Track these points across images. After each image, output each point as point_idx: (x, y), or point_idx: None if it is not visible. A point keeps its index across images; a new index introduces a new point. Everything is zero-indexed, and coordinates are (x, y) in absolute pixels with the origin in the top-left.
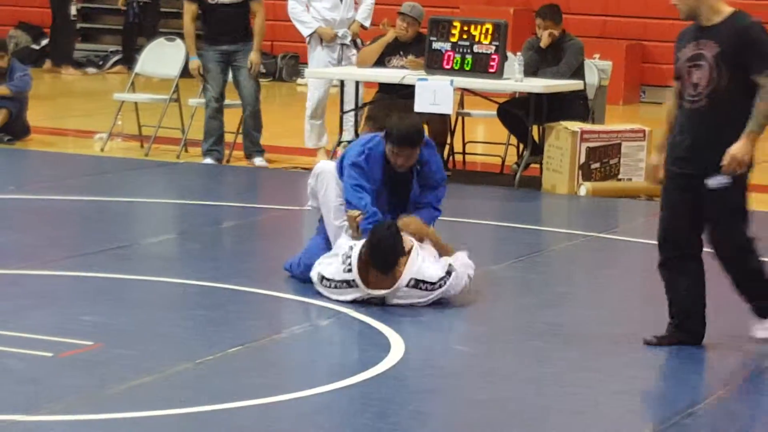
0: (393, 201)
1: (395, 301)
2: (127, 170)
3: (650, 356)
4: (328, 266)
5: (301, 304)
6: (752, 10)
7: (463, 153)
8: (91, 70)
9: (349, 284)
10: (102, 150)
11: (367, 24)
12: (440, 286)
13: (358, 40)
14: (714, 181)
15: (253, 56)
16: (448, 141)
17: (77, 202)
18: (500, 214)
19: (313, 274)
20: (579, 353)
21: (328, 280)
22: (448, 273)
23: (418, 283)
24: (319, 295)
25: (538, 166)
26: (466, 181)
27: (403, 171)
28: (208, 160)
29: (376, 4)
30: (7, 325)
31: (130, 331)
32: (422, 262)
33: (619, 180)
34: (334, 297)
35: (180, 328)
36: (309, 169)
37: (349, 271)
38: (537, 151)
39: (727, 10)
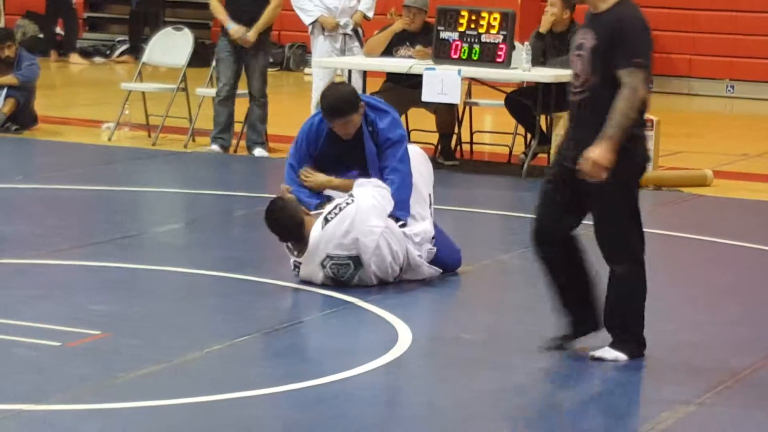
0: (351, 165)
1: (341, 252)
2: (134, 160)
3: (660, 344)
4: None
5: (310, 294)
6: None
7: (471, 143)
8: (98, 59)
9: (296, 265)
10: (109, 139)
11: (370, 15)
12: (347, 205)
13: (360, 30)
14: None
15: (248, 34)
16: (456, 131)
17: (85, 192)
18: (508, 204)
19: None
20: (587, 342)
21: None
22: (350, 195)
23: (327, 219)
24: (322, 286)
25: (545, 155)
26: (473, 170)
27: (349, 138)
28: (214, 147)
29: None
30: (15, 315)
31: (138, 321)
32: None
33: None
34: (308, 279)
35: (189, 318)
36: None
37: (292, 252)
38: (545, 140)
39: None
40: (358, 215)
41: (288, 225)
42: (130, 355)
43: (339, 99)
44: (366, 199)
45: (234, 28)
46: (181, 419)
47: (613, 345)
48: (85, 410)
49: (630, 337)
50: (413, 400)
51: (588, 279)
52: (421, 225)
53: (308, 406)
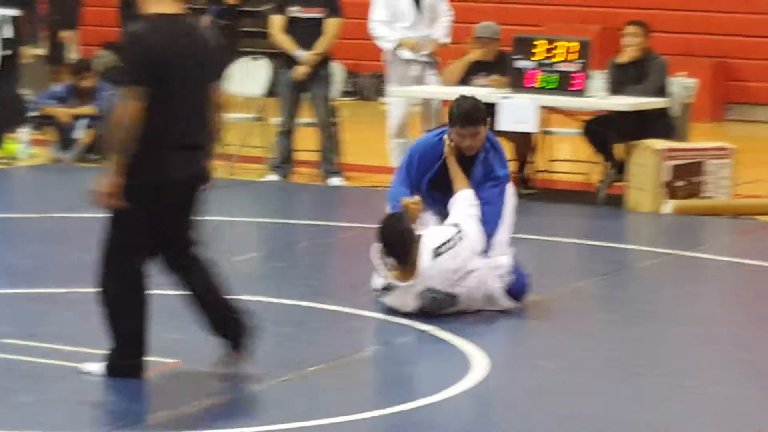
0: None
1: (441, 288)
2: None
3: (737, 373)
4: (375, 276)
5: (383, 323)
6: None
7: (547, 171)
8: None
9: (388, 288)
10: None
11: (446, 41)
12: (460, 239)
13: (436, 59)
14: None
15: (304, 59)
16: (530, 159)
17: None
18: (585, 232)
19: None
20: (664, 369)
21: (375, 289)
22: (459, 230)
23: (439, 252)
24: (400, 313)
25: (622, 184)
26: (550, 199)
27: (472, 152)
28: (272, 177)
29: (455, 22)
30: (90, 343)
31: (209, 349)
32: (432, 235)
33: (704, 198)
34: (395, 305)
35: (262, 346)
36: None
37: (385, 277)
38: (621, 169)
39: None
40: (470, 255)
41: (404, 237)
42: (203, 384)
43: (474, 107)
44: (476, 239)
45: (304, 56)
46: None
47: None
48: None
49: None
50: (490, 429)
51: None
52: (504, 258)
53: None
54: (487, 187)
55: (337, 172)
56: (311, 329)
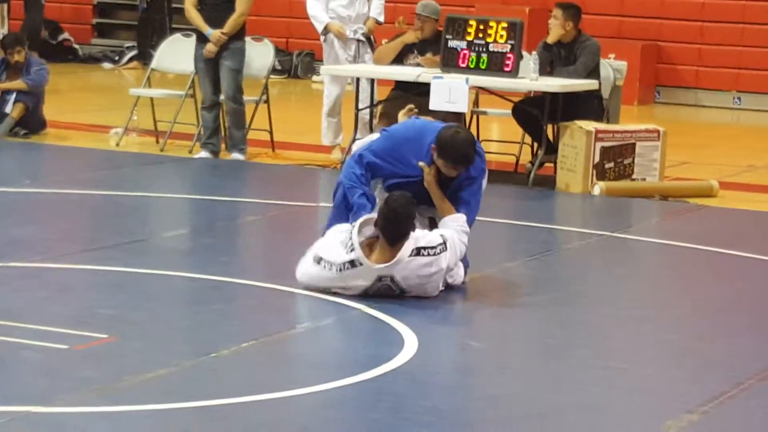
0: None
1: (401, 282)
2: (142, 165)
3: (664, 354)
4: (327, 248)
5: (315, 300)
6: None
7: None
8: (107, 65)
9: (353, 263)
10: (117, 145)
11: (381, 19)
12: (441, 251)
13: (372, 38)
14: None
15: (209, 45)
16: None
17: (93, 197)
18: (514, 213)
19: (309, 257)
20: (592, 350)
21: (328, 262)
22: (444, 243)
23: (420, 251)
24: (330, 292)
25: (552, 165)
26: None
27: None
28: (203, 154)
29: (388, 1)
30: (23, 318)
31: (145, 325)
32: (420, 233)
33: (633, 180)
34: (334, 285)
35: (195, 322)
36: (324, 166)
37: (352, 250)
38: (551, 150)
39: None
40: (443, 271)
41: (410, 223)
42: (136, 359)
43: (471, 147)
44: (453, 260)
45: (214, 33)
46: (187, 423)
47: None
48: (92, 413)
49: None
50: (418, 407)
51: None
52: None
53: (316, 412)
54: (465, 186)
55: (238, 147)
56: (242, 306)
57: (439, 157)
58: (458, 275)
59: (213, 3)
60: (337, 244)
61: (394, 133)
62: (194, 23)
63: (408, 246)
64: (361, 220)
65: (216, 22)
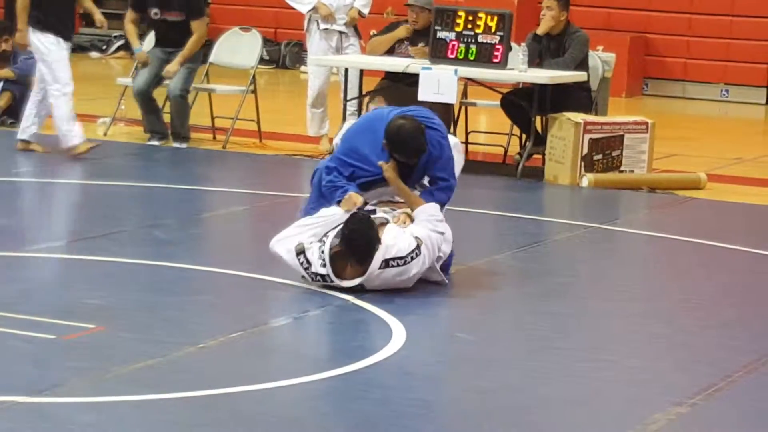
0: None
1: (378, 285)
2: (129, 155)
3: (652, 346)
4: (309, 245)
5: (303, 291)
6: None
7: (466, 143)
8: (94, 54)
9: (324, 278)
10: (105, 134)
11: (365, 11)
12: (412, 259)
13: (353, 28)
14: None
15: (170, 65)
16: (451, 130)
17: (80, 186)
18: (502, 204)
19: (294, 238)
20: (580, 343)
21: (307, 261)
22: (418, 247)
23: (389, 263)
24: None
25: (540, 156)
26: (468, 170)
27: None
28: (154, 141)
29: None
30: (10, 308)
31: (133, 315)
32: (390, 241)
33: (621, 172)
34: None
35: (182, 313)
36: (311, 156)
37: (324, 266)
38: (540, 141)
39: None
40: (417, 271)
41: (372, 245)
42: (124, 349)
43: (420, 135)
44: (430, 258)
45: (140, 54)
46: (175, 413)
47: None
48: (79, 403)
49: None
50: (406, 398)
51: None
52: (445, 247)
53: (303, 403)
54: (431, 165)
55: (181, 136)
56: (230, 297)
57: (393, 153)
58: (444, 253)
59: (165, 28)
60: (316, 248)
61: (347, 132)
62: (128, 37)
63: (378, 258)
64: (333, 234)
65: (173, 44)
